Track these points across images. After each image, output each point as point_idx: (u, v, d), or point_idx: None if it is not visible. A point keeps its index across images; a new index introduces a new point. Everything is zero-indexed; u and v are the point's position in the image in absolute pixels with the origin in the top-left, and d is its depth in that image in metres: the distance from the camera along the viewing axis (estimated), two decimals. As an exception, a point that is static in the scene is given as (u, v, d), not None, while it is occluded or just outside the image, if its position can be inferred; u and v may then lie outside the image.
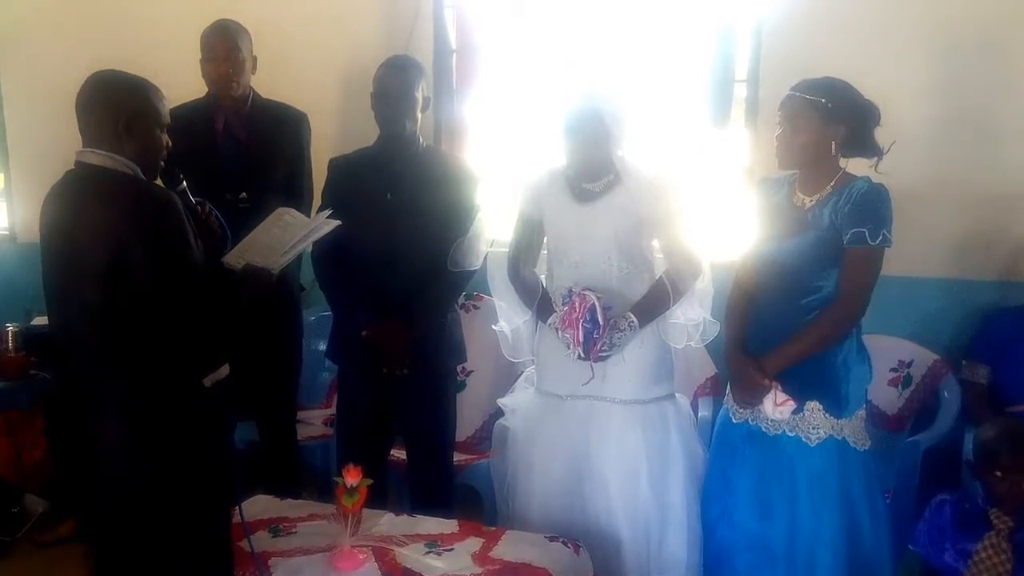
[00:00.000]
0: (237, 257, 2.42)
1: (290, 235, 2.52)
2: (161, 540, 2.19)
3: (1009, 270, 3.48)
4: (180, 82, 3.08)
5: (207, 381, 2.23)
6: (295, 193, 3.34)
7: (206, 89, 3.34)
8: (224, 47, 3.26)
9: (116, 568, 2.29)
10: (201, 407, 2.22)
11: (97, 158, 2.17)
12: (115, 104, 2.18)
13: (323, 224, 2.63)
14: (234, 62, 3.27)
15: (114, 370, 2.15)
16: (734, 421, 2.76)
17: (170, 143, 2.30)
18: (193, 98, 3.36)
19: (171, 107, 2.32)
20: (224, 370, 2.28)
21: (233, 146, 3.33)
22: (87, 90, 2.22)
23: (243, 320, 2.38)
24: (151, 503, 2.16)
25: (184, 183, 2.36)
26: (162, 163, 2.30)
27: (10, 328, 3.89)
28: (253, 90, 3.37)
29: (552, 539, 2.67)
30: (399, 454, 3.35)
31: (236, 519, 2.36)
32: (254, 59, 3.35)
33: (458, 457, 3.38)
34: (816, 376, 2.60)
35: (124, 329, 2.12)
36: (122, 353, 2.13)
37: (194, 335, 2.19)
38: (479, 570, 2.48)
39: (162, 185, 2.32)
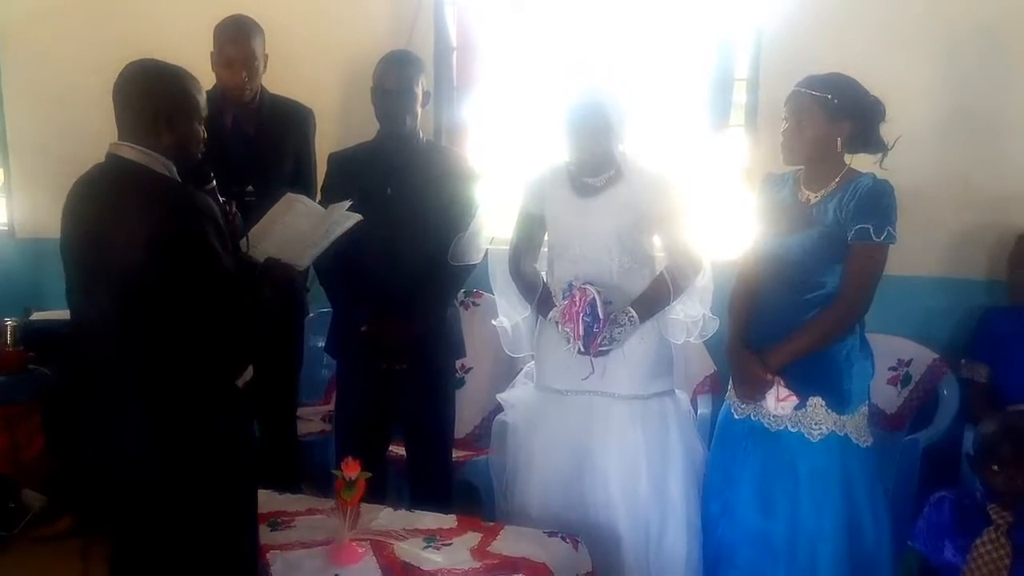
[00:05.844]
0: (253, 248, 2.36)
1: (309, 227, 2.46)
2: (185, 543, 2.13)
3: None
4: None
5: (239, 383, 2.20)
6: (301, 188, 3.34)
7: (212, 81, 3.33)
8: (240, 54, 3.23)
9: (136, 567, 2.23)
10: (233, 409, 2.18)
11: (133, 152, 2.11)
12: (156, 97, 2.12)
13: (344, 218, 2.52)
14: (249, 68, 3.25)
15: (141, 370, 2.09)
16: (736, 417, 2.76)
17: (206, 136, 2.24)
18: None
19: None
20: (250, 371, 2.25)
21: (241, 140, 3.31)
22: (126, 80, 2.15)
23: (267, 317, 2.33)
24: (178, 505, 2.11)
25: (214, 181, 2.30)
26: (198, 156, 2.23)
27: (8, 323, 3.89)
28: (262, 85, 3.36)
29: (551, 534, 2.66)
30: (398, 450, 3.34)
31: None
32: (266, 57, 3.33)
33: (457, 453, 3.37)
34: (819, 372, 2.59)
35: (154, 331, 2.06)
36: (151, 355, 2.07)
37: (224, 339, 2.14)
38: (477, 564, 2.48)
39: (191, 183, 2.24)
